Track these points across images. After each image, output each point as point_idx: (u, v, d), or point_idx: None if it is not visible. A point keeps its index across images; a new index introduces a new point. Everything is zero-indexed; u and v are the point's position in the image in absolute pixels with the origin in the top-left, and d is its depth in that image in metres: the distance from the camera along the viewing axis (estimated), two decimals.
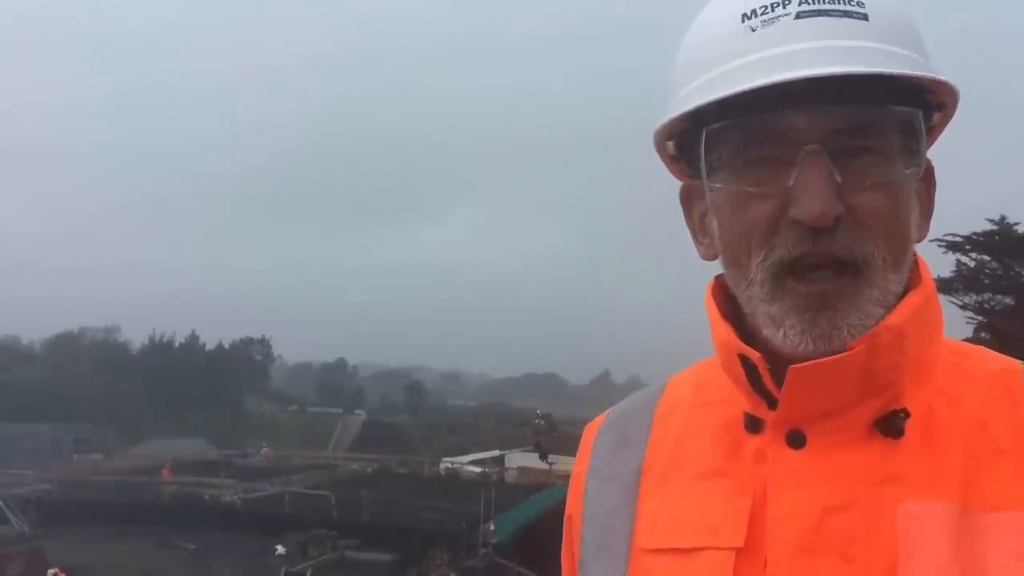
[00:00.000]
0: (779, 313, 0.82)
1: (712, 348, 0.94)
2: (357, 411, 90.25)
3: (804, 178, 0.79)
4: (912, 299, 0.85)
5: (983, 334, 19.17)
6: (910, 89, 0.81)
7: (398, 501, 32.37)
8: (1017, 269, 21.22)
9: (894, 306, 0.83)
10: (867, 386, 0.83)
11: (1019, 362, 0.91)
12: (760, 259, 0.83)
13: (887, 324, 0.82)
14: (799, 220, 0.79)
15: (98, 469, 44.92)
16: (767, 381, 0.86)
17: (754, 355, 0.85)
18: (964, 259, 21.53)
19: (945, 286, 20.88)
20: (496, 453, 51.33)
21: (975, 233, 21.31)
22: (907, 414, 0.85)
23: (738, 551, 0.85)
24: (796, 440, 0.85)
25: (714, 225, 0.89)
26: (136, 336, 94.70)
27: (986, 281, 21.47)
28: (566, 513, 1.06)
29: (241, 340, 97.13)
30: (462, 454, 52.67)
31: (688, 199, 0.96)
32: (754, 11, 0.82)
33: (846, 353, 0.81)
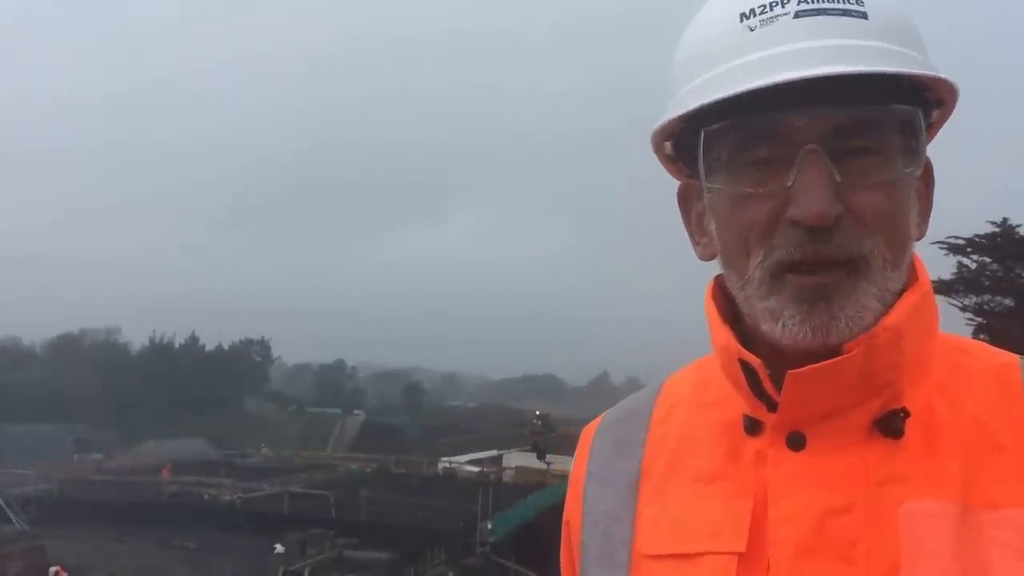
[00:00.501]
0: (778, 306, 0.82)
1: (712, 350, 0.93)
2: (356, 411, 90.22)
3: (803, 178, 0.79)
4: (909, 298, 0.84)
5: (983, 336, 19.17)
6: (909, 87, 0.81)
7: (396, 501, 32.46)
8: (1018, 271, 21.24)
9: (892, 304, 0.82)
10: (866, 387, 0.83)
11: (1018, 357, 0.91)
12: (759, 260, 0.82)
13: (884, 325, 0.81)
14: (798, 220, 0.79)
15: (98, 469, 45.12)
16: (767, 385, 0.85)
17: (755, 361, 0.85)
18: (966, 261, 21.56)
19: (946, 288, 20.91)
20: (494, 453, 51.35)
21: (977, 235, 21.34)
22: (907, 414, 0.84)
23: (740, 556, 0.84)
24: (796, 442, 0.85)
25: (712, 225, 0.89)
26: (136, 337, 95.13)
27: (986, 283, 21.50)
28: (564, 518, 1.05)
29: (241, 341, 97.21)
30: (460, 454, 52.67)
31: (686, 199, 0.95)
32: (753, 10, 0.82)
33: (844, 356, 0.80)
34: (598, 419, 1.08)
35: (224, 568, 26.32)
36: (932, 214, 0.90)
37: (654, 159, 0.95)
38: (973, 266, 21.68)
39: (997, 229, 21.20)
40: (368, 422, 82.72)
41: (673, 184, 0.97)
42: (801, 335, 0.81)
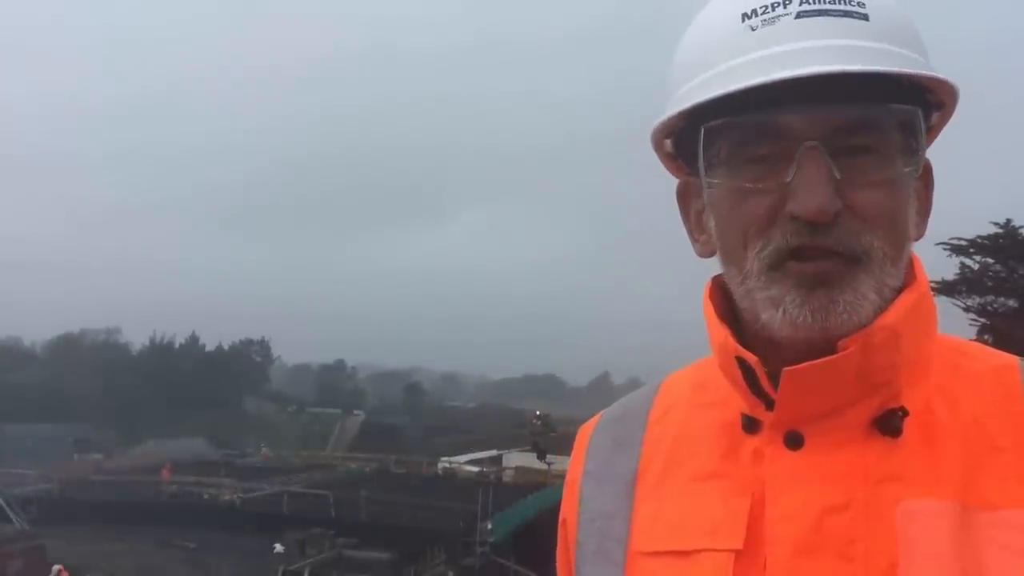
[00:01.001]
0: (779, 293, 0.82)
1: (710, 350, 0.93)
2: (356, 411, 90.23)
3: (802, 174, 0.79)
4: (907, 298, 0.84)
5: (986, 337, 19.18)
6: (909, 88, 0.81)
7: (396, 501, 32.44)
8: (1021, 272, 21.25)
9: (890, 300, 0.83)
10: (863, 386, 0.83)
11: (1017, 358, 0.91)
12: (757, 250, 0.83)
13: (881, 323, 0.82)
14: (797, 215, 0.79)
15: (98, 469, 45.15)
16: (764, 383, 0.85)
17: (751, 358, 0.85)
18: (969, 262, 21.56)
19: (949, 289, 20.92)
20: (494, 453, 51.36)
21: (980, 236, 21.35)
22: (905, 412, 0.84)
23: (737, 553, 0.85)
24: (794, 441, 0.85)
25: (711, 222, 0.89)
26: (136, 337, 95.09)
27: (989, 284, 21.50)
28: (560, 517, 1.05)
29: (241, 341, 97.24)
30: (460, 454, 52.67)
31: (685, 196, 0.96)
32: (754, 11, 0.82)
33: (840, 354, 0.81)
34: (595, 418, 1.08)
35: (224, 568, 26.34)
36: (935, 215, 0.90)
37: (655, 160, 0.96)
38: (976, 267, 21.68)
39: (1000, 230, 21.21)
40: (368, 422, 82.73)
41: (674, 185, 0.97)
42: (801, 318, 0.81)
